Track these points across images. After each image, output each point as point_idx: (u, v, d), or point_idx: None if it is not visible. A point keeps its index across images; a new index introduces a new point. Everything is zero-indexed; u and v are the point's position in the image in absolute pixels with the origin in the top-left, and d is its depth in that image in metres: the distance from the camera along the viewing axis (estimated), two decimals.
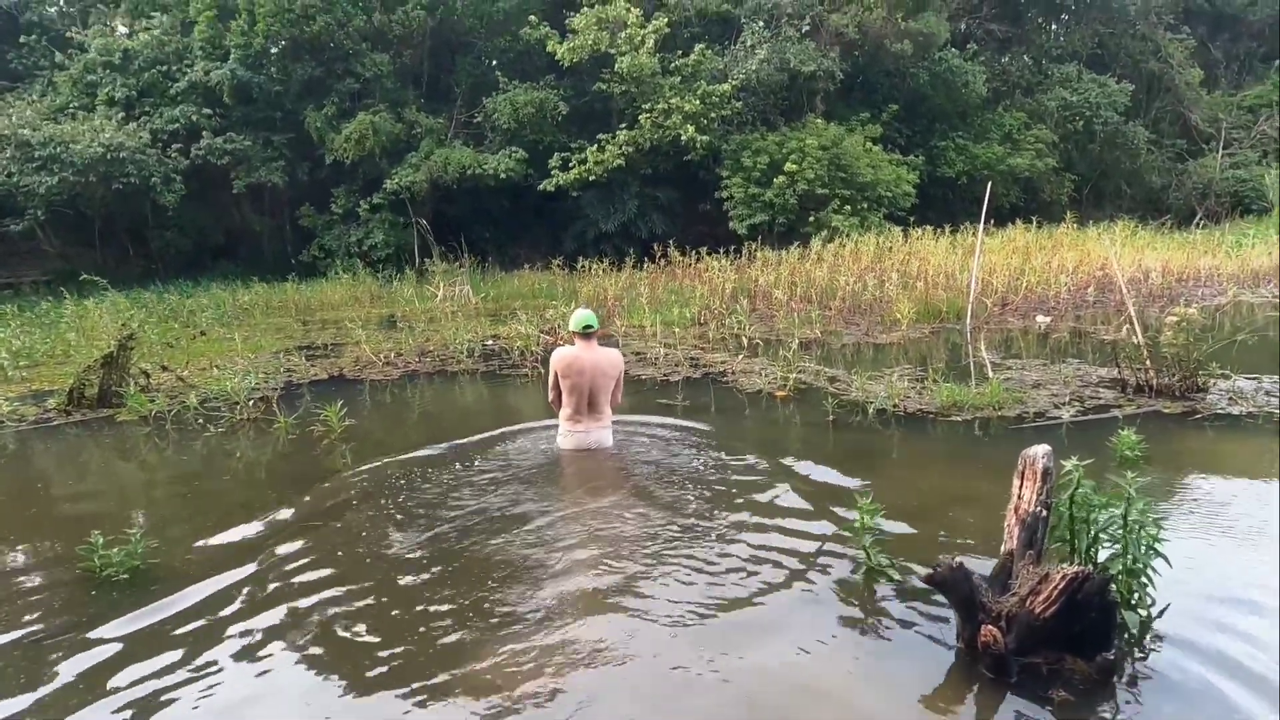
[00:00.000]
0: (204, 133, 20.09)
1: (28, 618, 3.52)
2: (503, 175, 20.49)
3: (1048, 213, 22.13)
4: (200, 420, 7.21)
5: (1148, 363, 6.78)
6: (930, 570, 2.87)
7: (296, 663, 3.08)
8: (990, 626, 2.73)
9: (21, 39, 21.86)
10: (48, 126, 18.21)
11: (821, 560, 3.75)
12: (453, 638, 3.19)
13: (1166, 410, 6.20)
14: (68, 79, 20.63)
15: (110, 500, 5.29)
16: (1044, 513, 3.03)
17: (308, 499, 4.99)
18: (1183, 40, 29.22)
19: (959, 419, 6.17)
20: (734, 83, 20.17)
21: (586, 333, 5.28)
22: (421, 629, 3.26)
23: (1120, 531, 3.08)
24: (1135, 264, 14.74)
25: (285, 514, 4.71)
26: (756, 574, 3.66)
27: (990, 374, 7.57)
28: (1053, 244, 16.34)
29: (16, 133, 17.76)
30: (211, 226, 22.83)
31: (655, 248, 16.96)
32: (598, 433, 5.39)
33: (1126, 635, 2.96)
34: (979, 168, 23.06)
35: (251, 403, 7.38)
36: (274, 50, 20.70)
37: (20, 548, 4.38)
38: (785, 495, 4.66)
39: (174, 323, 13.65)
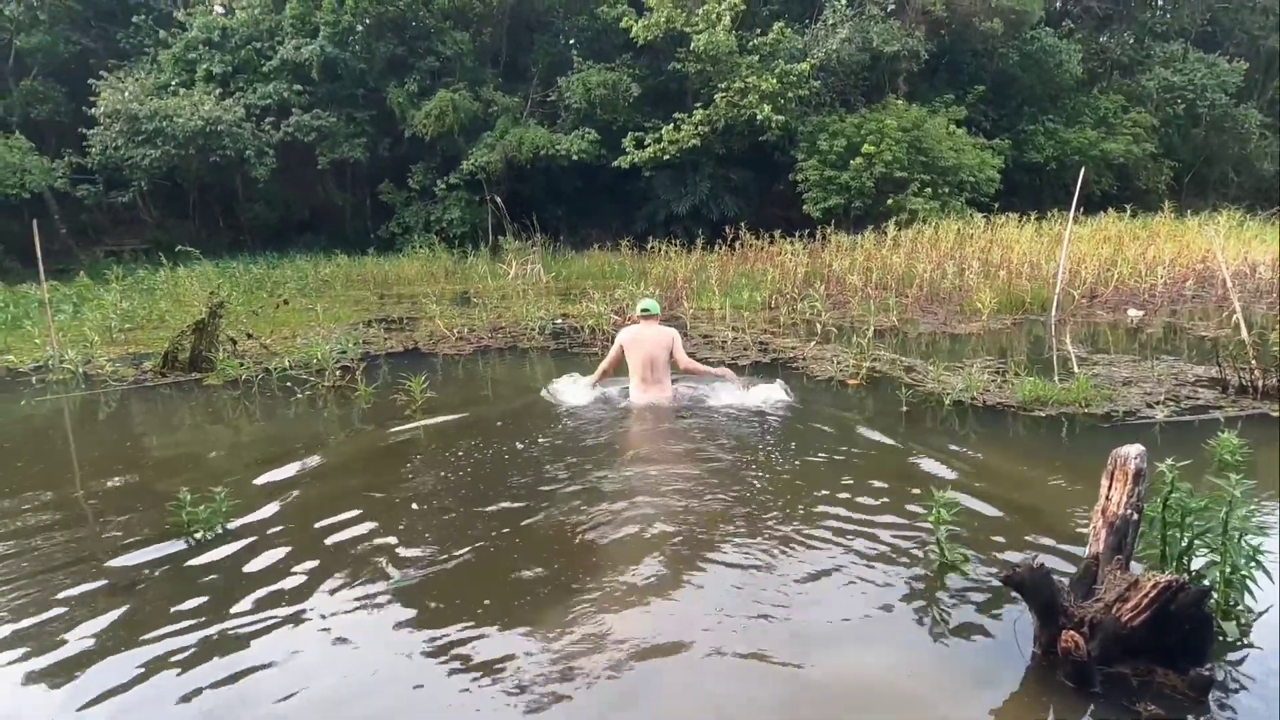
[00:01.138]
0: (293, 109, 20.82)
1: (121, 569, 3.74)
2: (575, 156, 20.59)
3: (1143, 201, 20.97)
4: (288, 384, 7.52)
5: (1253, 362, 6.35)
6: (1009, 570, 2.75)
7: (368, 625, 3.18)
8: (1071, 632, 2.61)
9: (133, 19, 22.98)
10: (152, 101, 19.19)
11: (892, 553, 3.66)
12: (515, 604, 3.25)
13: (1274, 414, 5.80)
14: (170, 57, 21.63)
15: (200, 460, 5.57)
16: (1134, 516, 2.87)
17: (389, 466, 5.17)
18: None
19: (1042, 415, 5.91)
20: (813, 62, 19.68)
21: (646, 315, 6.57)
22: (488, 600, 3.32)
23: (1219, 539, 2.90)
24: (1241, 257, 13.82)
25: (367, 480, 4.89)
26: (824, 564, 3.60)
27: (1076, 369, 7.22)
28: (1148, 234, 15.44)
29: (127, 107, 18.77)
30: (297, 201, 23.72)
31: (726, 230, 16.77)
32: (661, 396, 6.46)
33: (1222, 646, 2.79)
34: (1069, 153, 21.97)
35: (338, 371, 7.66)
36: (360, 28, 21.22)
37: (116, 501, 4.65)
38: (855, 484, 4.56)
39: (260, 292, 14.25)
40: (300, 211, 23.94)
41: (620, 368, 6.63)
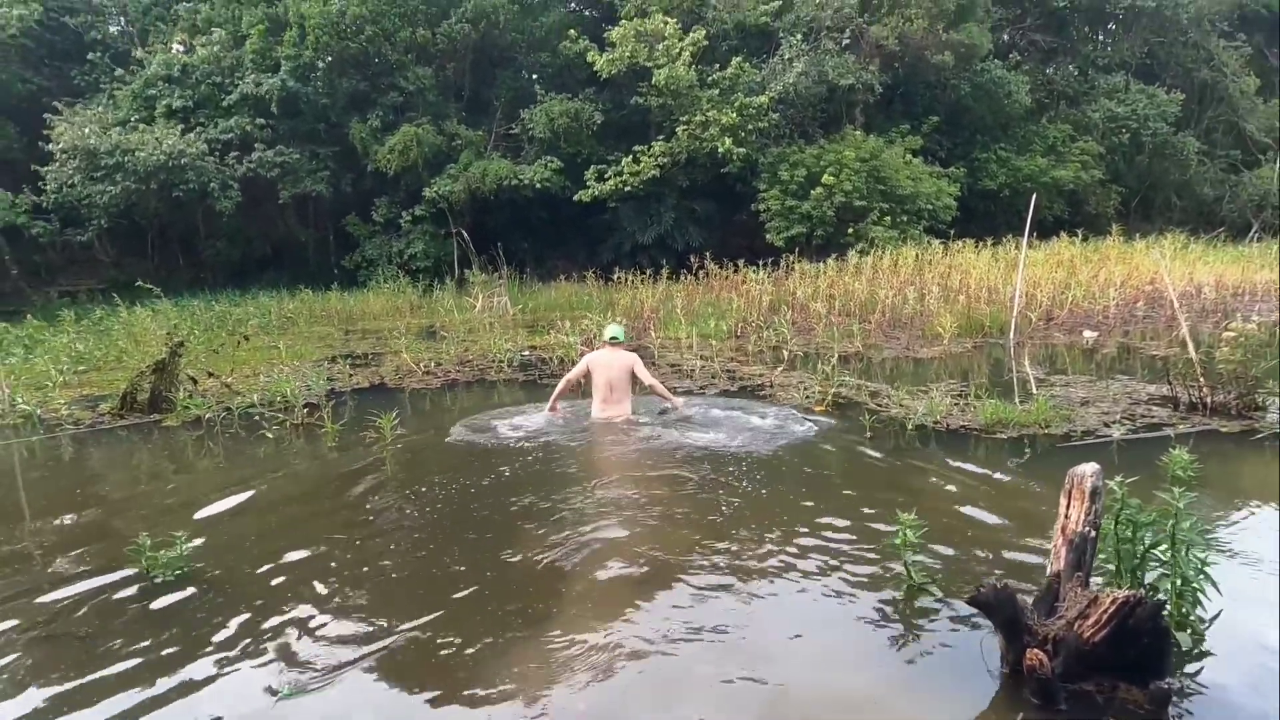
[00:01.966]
0: (256, 144, 20.66)
1: (79, 616, 3.62)
2: (538, 185, 20.72)
3: (1093, 226, 21.66)
4: (253, 423, 7.38)
5: (1202, 380, 6.58)
6: (974, 591, 2.80)
7: (333, 668, 3.13)
8: (1036, 650, 2.66)
9: (89, 56, 22.72)
10: (113, 136, 18.92)
11: (859, 575, 3.70)
12: (489, 640, 3.22)
13: (1223, 429, 6.00)
14: (129, 94, 21.39)
15: (161, 502, 5.43)
16: (1092, 533, 2.95)
17: (358, 505, 5.09)
18: (1237, 47, 28.42)
19: (1003, 436, 6.04)
20: (771, 95, 20.13)
21: (613, 342, 7.17)
22: (457, 637, 3.28)
23: (1168, 552, 2.99)
24: (1186, 278, 14.32)
25: (336, 520, 4.83)
26: (792, 588, 3.63)
27: (1035, 390, 7.41)
28: (1099, 257, 15.96)
29: (85, 142, 18.47)
30: (258, 237, 23.45)
31: (691, 259, 16.95)
32: (619, 413, 7.02)
33: (1178, 656, 2.87)
34: (1022, 180, 22.67)
35: (305, 409, 7.54)
36: (321, 65, 21.24)
37: (73, 548, 4.51)
38: (821, 508, 4.61)
39: (220, 330, 14.02)
40: (262, 247, 23.66)
41: (585, 390, 7.39)
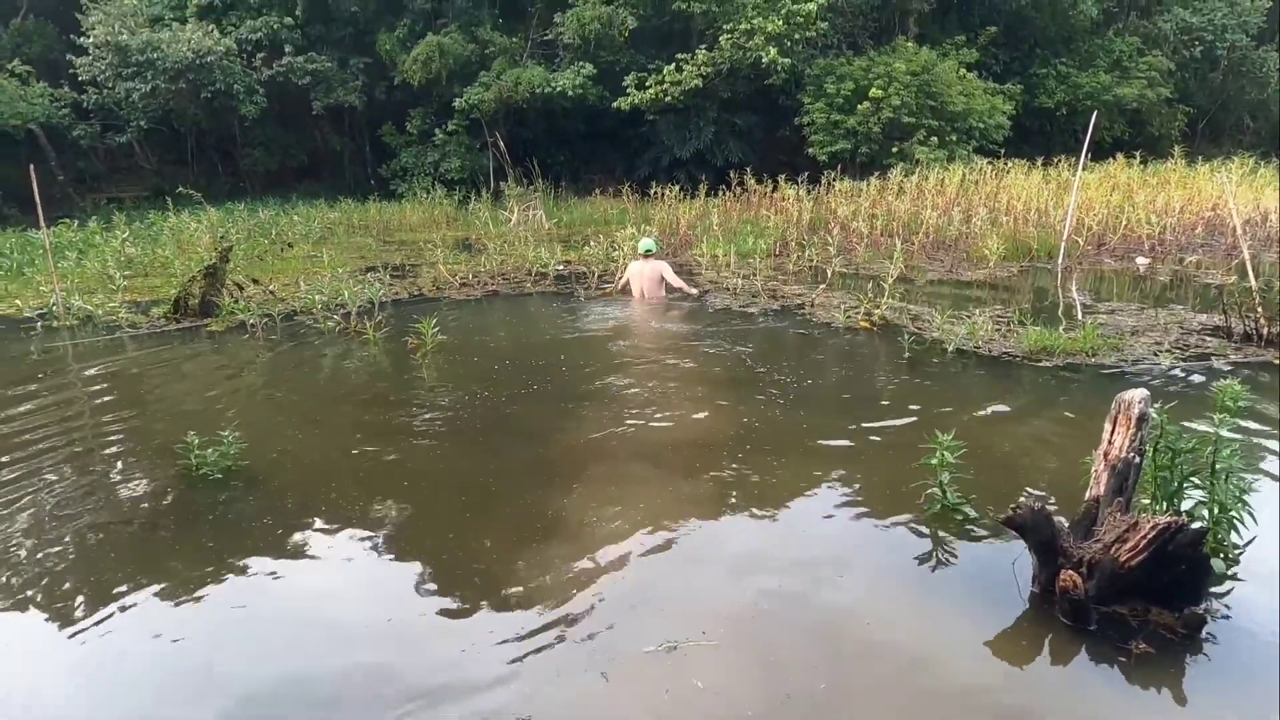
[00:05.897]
0: (285, 46, 20.32)
1: (130, 507, 3.85)
2: (571, 93, 20.11)
3: (1154, 148, 20.57)
4: (305, 326, 7.62)
5: (1259, 310, 6.35)
6: (1010, 511, 2.81)
7: (367, 563, 3.32)
8: (1070, 571, 2.69)
9: None
10: (144, 32, 18.81)
11: (893, 494, 3.74)
12: (511, 540, 3.34)
13: (1277, 361, 5.83)
14: None
15: (210, 403, 5.62)
16: (1136, 459, 2.93)
17: (396, 406, 5.26)
18: None
19: (1047, 364, 5.94)
20: (820, 2, 19.13)
21: (646, 254, 8.82)
22: (490, 542, 3.41)
23: (1208, 479, 2.97)
24: (1253, 205, 13.64)
25: (374, 420, 4.98)
26: (825, 501, 3.70)
27: (1081, 316, 7.22)
28: (1158, 181, 15.22)
29: (117, 38, 18.41)
30: (295, 146, 23.35)
31: (731, 175, 16.55)
32: (653, 302, 8.73)
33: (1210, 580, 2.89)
34: (1081, 98, 21.47)
35: (351, 315, 7.71)
36: None
37: (129, 443, 4.73)
38: (856, 425, 4.64)
39: (261, 238, 14.16)
40: (299, 157, 23.59)
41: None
